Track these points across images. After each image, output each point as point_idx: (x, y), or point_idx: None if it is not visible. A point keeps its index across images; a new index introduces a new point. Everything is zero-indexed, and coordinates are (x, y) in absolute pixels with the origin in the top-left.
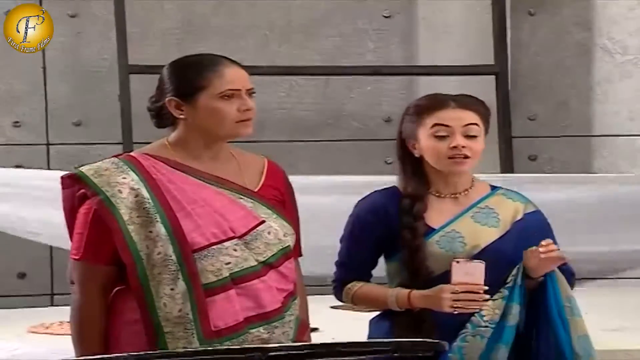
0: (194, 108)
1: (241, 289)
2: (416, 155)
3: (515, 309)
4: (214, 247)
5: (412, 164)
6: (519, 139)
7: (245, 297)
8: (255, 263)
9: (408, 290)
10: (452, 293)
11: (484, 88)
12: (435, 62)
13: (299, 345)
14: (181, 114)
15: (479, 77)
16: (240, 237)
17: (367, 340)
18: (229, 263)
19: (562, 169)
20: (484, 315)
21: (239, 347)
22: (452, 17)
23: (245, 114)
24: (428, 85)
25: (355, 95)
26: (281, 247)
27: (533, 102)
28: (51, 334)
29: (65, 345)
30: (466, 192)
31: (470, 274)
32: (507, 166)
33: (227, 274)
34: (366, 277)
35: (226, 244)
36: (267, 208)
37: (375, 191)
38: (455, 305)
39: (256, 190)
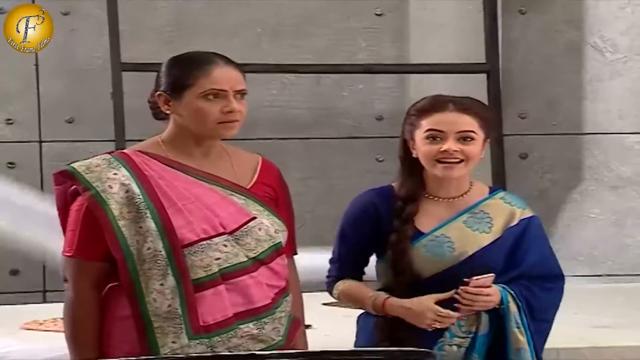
0: (179, 105)
1: (231, 284)
2: (415, 156)
3: (485, 318)
4: (204, 242)
5: (410, 165)
6: (509, 137)
7: (234, 292)
8: (246, 259)
9: (384, 297)
10: (438, 315)
11: (475, 86)
12: (426, 61)
13: (290, 353)
14: (168, 109)
15: (470, 75)
16: (230, 233)
17: (358, 349)
18: (218, 259)
19: (553, 167)
20: (463, 325)
21: (230, 353)
22: (444, 15)
23: (228, 115)
24: (419, 84)
25: (347, 94)
26: (272, 244)
27: (524, 100)
28: (45, 330)
29: (59, 342)
30: (462, 196)
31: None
32: (498, 164)
33: (217, 270)
34: (357, 275)
35: (216, 239)
36: (259, 205)
37: (370, 189)
38: (433, 326)
39: (248, 187)
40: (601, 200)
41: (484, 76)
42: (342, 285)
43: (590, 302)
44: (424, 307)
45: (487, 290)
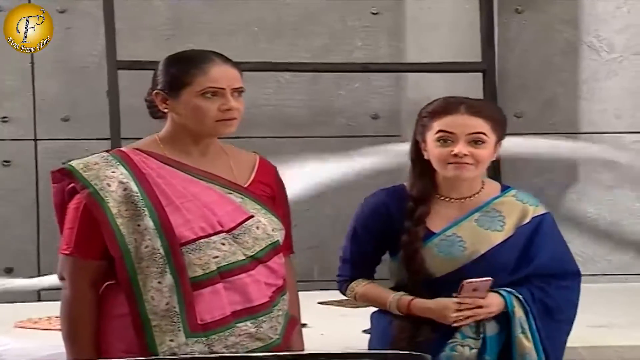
0: (177, 103)
1: (229, 283)
2: (426, 157)
3: (492, 319)
4: (202, 240)
5: (421, 166)
6: (505, 137)
7: (232, 291)
8: (244, 257)
9: (410, 298)
10: (457, 310)
11: (471, 85)
12: (423, 59)
13: (285, 355)
14: (166, 108)
15: (466, 74)
16: (228, 232)
17: (351, 352)
18: (216, 257)
19: (549, 166)
20: (473, 326)
21: (227, 354)
22: (440, 14)
23: (226, 113)
24: (416, 83)
25: (344, 92)
26: (270, 242)
27: (520, 99)
28: (39, 329)
29: (54, 340)
30: (474, 196)
31: (477, 290)
32: (494, 163)
33: (215, 268)
34: (369, 275)
35: (214, 238)
36: (257, 203)
37: (382, 189)
38: (457, 320)
39: (246, 185)
40: (597, 199)
41: (480, 75)
42: (359, 286)
43: (586, 302)
44: (442, 304)
45: (480, 301)
